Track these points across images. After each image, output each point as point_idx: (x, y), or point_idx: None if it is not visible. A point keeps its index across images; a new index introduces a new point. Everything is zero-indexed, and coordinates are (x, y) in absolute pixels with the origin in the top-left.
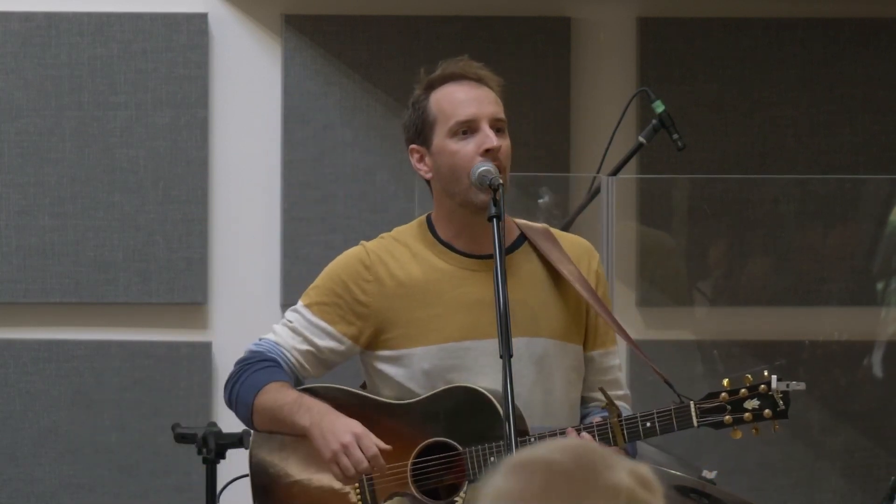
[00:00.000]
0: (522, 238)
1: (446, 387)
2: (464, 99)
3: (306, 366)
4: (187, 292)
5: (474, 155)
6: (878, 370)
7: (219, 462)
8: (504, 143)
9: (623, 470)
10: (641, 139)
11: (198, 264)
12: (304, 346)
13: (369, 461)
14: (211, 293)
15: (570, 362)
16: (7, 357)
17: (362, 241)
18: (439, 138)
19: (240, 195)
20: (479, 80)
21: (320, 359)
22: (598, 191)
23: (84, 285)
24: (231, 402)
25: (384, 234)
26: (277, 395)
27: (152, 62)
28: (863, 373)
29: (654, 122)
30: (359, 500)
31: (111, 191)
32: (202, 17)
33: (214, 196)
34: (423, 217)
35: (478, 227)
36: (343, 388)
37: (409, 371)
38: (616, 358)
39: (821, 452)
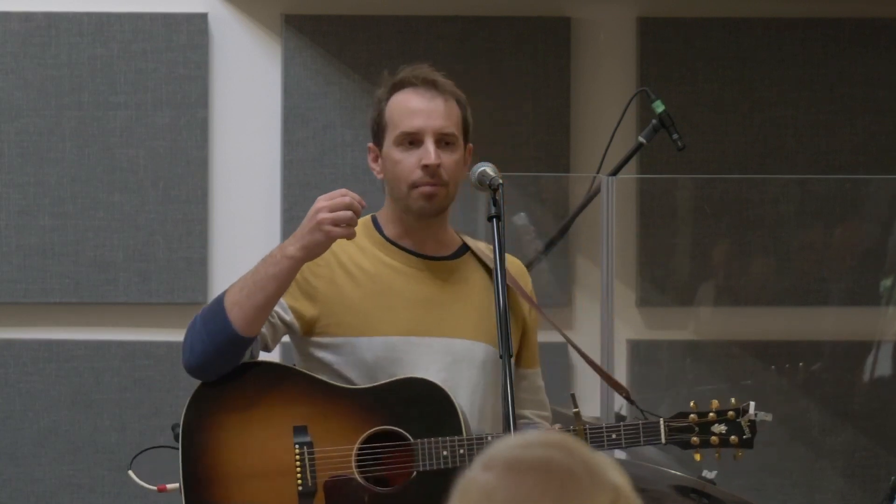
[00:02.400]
0: (465, 247)
1: (403, 377)
2: (414, 109)
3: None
4: (187, 292)
5: (414, 168)
6: (878, 370)
7: None
8: (448, 158)
9: (614, 467)
10: (641, 139)
11: (198, 264)
12: None
13: (350, 197)
14: (211, 293)
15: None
16: (7, 357)
17: None
18: (387, 144)
19: (240, 195)
20: (437, 90)
21: (271, 322)
22: (598, 191)
23: (84, 285)
24: (193, 343)
25: None
26: (237, 282)
27: (152, 62)
28: (863, 373)
29: (654, 122)
30: (299, 477)
31: (111, 191)
32: (202, 17)
33: (214, 196)
34: (368, 217)
35: (422, 230)
36: (291, 366)
37: (349, 360)
38: (541, 379)
39: (821, 452)
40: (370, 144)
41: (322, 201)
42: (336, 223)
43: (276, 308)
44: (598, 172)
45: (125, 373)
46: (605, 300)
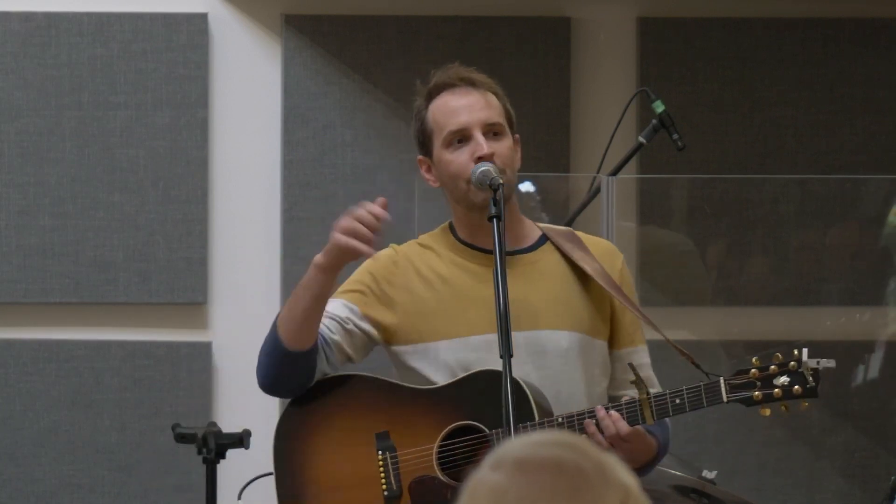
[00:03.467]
0: (544, 238)
1: (471, 371)
2: (455, 108)
3: (332, 329)
4: (187, 292)
5: (468, 163)
6: (878, 370)
7: (219, 462)
8: (500, 146)
9: (622, 467)
10: (641, 139)
11: (198, 264)
12: (327, 320)
13: (367, 209)
14: (211, 293)
15: (595, 357)
16: (7, 357)
17: (392, 244)
18: (437, 149)
19: (240, 195)
20: (472, 85)
21: (346, 328)
22: (598, 191)
23: (84, 285)
24: (260, 364)
25: (411, 241)
26: (287, 305)
27: (152, 62)
28: (863, 373)
29: (654, 122)
30: (384, 482)
31: (111, 191)
32: (202, 17)
33: (214, 196)
34: (446, 224)
35: (488, 226)
36: (370, 375)
37: (434, 364)
38: (645, 356)
39: (821, 452)
40: (419, 157)
41: (351, 215)
42: (344, 231)
43: (351, 316)
44: (598, 172)
45: (125, 373)
46: None
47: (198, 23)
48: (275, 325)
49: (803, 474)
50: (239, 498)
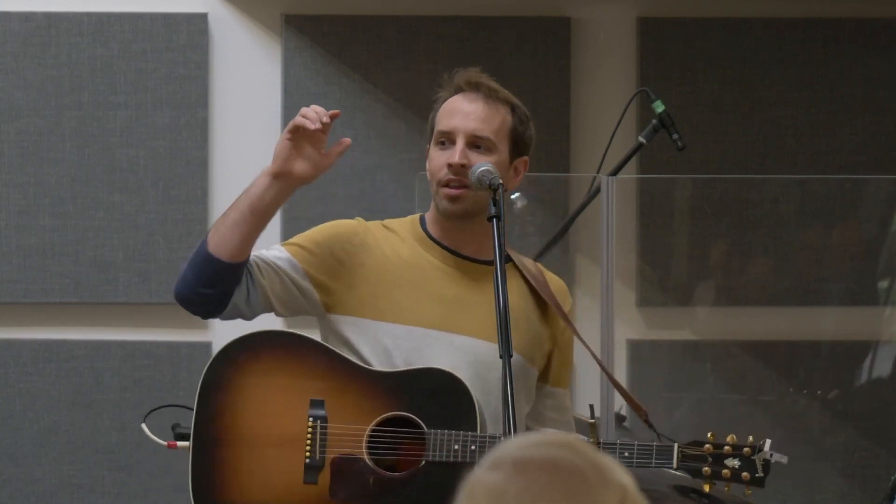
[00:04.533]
0: (509, 258)
1: (427, 366)
2: (453, 110)
3: (263, 272)
4: None
5: (443, 166)
6: (878, 370)
7: None
8: (477, 161)
9: (620, 468)
10: (641, 139)
11: None
12: (262, 262)
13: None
14: None
15: (524, 383)
16: (7, 357)
17: (358, 217)
18: (430, 143)
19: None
20: (482, 93)
21: (279, 276)
22: (598, 191)
23: (84, 285)
24: (181, 272)
25: (377, 221)
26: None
27: (152, 62)
28: (863, 373)
29: (654, 122)
30: (308, 450)
31: (111, 191)
32: (202, 17)
33: (214, 196)
34: (416, 215)
35: (458, 231)
36: (318, 340)
37: (369, 341)
38: (569, 400)
39: (821, 452)
40: (427, 146)
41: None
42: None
43: (289, 269)
44: (598, 172)
45: (125, 373)
46: (605, 300)
47: (198, 23)
48: (204, 237)
49: (803, 474)
50: (144, 421)
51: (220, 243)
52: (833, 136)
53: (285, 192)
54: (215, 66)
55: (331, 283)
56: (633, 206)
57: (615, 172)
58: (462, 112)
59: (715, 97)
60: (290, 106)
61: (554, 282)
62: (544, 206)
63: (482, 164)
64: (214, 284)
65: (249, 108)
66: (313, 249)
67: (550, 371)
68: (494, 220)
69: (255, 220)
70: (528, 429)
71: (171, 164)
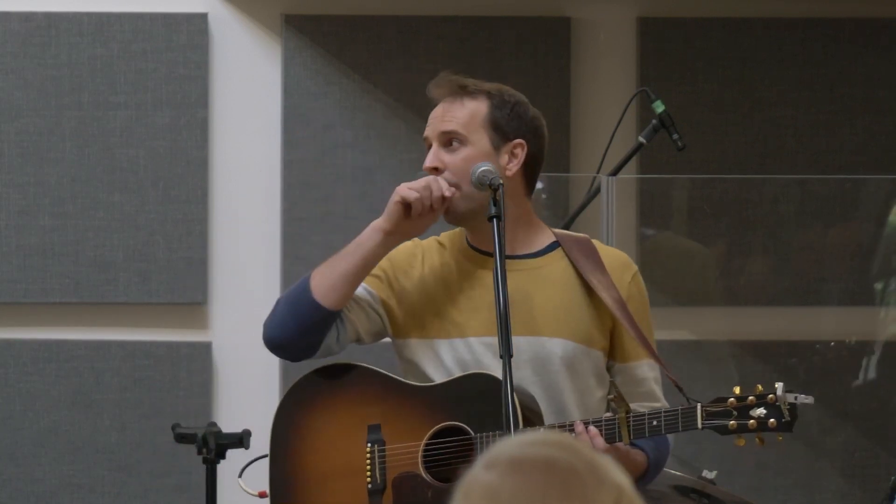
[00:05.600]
0: (556, 244)
1: (466, 373)
2: (429, 119)
3: (349, 312)
4: (187, 292)
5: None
6: (878, 370)
7: (219, 462)
8: (452, 158)
9: (615, 467)
10: (641, 139)
11: (198, 264)
12: None
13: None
14: (211, 293)
15: (589, 367)
16: (7, 357)
17: (415, 238)
18: None
19: (240, 195)
20: (446, 90)
21: (363, 308)
22: (598, 191)
23: (84, 285)
24: (275, 317)
25: (431, 237)
26: (327, 261)
27: (152, 62)
28: (863, 373)
29: (654, 122)
30: (369, 475)
31: (111, 191)
32: (202, 17)
33: (214, 196)
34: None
35: (478, 232)
36: (370, 366)
37: (433, 361)
38: (651, 370)
39: (821, 452)
40: None
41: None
42: (411, 188)
43: (370, 299)
44: (598, 172)
45: (125, 373)
46: None
47: (198, 23)
48: (306, 279)
49: (803, 474)
50: (240, 476)
51: (329, 294)
52: (833, 136)
53: (393, 246)
54: (215, 66)
55: (396, 308)
56: (633, 206)
57: (615, 172)
58: (431, 118)
59: (715, 97)
60: (290, 106)
61: (610, 256)
62: (544, 206)
63: (482, 164)
64: (319, 332)
65: (249, 108)
66: (381, 277)
67: (615, 348)
68: (495, 220)
69: (364, 273)
70: (608, 410)
71: (171, 164)
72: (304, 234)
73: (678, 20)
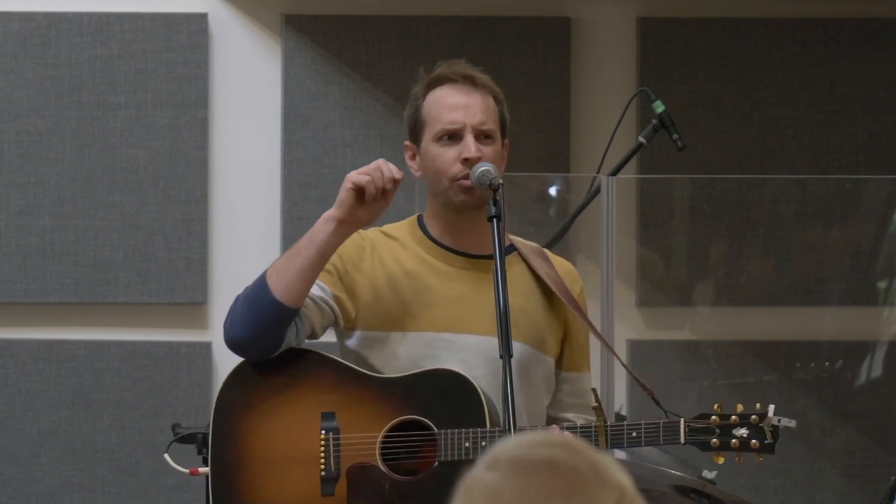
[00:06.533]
0: (512, 248)
1: (432, 368)
2: (453, 105)
3: (306, 309)
4: (187, 292)
5: (454, 162)
6: (878, 370)
7: None
8: (488, 151)
9: (617, 467)
10: (641, 139)
11: (198, 264)
12: None
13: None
14: (211, 293)
15: (540, 372)
16: (7, 357)
17: (359, 230)
18: (426, 140)
19: (240, 195)
20: (475, 85)
21: (318, 305)
22: (598, 191)
23: (84, 285)
24: (234, 317)
25: (375, 228)
26: (282, 258)
27: (152, 62)
28: (863, 373)
29: (654, 122)
30: (323, 462)
31: (111, 191)
32: (202, 17)
33: (214, 196)
34: (415, 216)
35: (462, 226)
36: (324, 353)
37: (384, 355)
38: (589, 383)
39: (821, 452)
40: (407, 143)
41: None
42: (361, 173)
43: (323, 295)
44: (598, 172)
45: (125, 373)
46: (605, 300)
47: (198, 23)
48: (262, 279)
49: (803, 474)
50: (166, 452)
51: (288, 290)
52: (833, 136)
53: (347, 236)
54: (215, 66)
55: (348, 301)
56: (633, 206)
57: (615, 172)
58: (462, 105)
59: (715, 97)
60: (290, 106)
61: (561, 265)
62: (544, 206)
63: (482, 165)
64: (281, 330)
65: (249, 108)
66: (332, 271)
67: (564, 357)
68: (495, 220)
69: (321, 266)
70: (549, 420)
71: (171, 164)
72: (303, 234)
73: (678, 20)
